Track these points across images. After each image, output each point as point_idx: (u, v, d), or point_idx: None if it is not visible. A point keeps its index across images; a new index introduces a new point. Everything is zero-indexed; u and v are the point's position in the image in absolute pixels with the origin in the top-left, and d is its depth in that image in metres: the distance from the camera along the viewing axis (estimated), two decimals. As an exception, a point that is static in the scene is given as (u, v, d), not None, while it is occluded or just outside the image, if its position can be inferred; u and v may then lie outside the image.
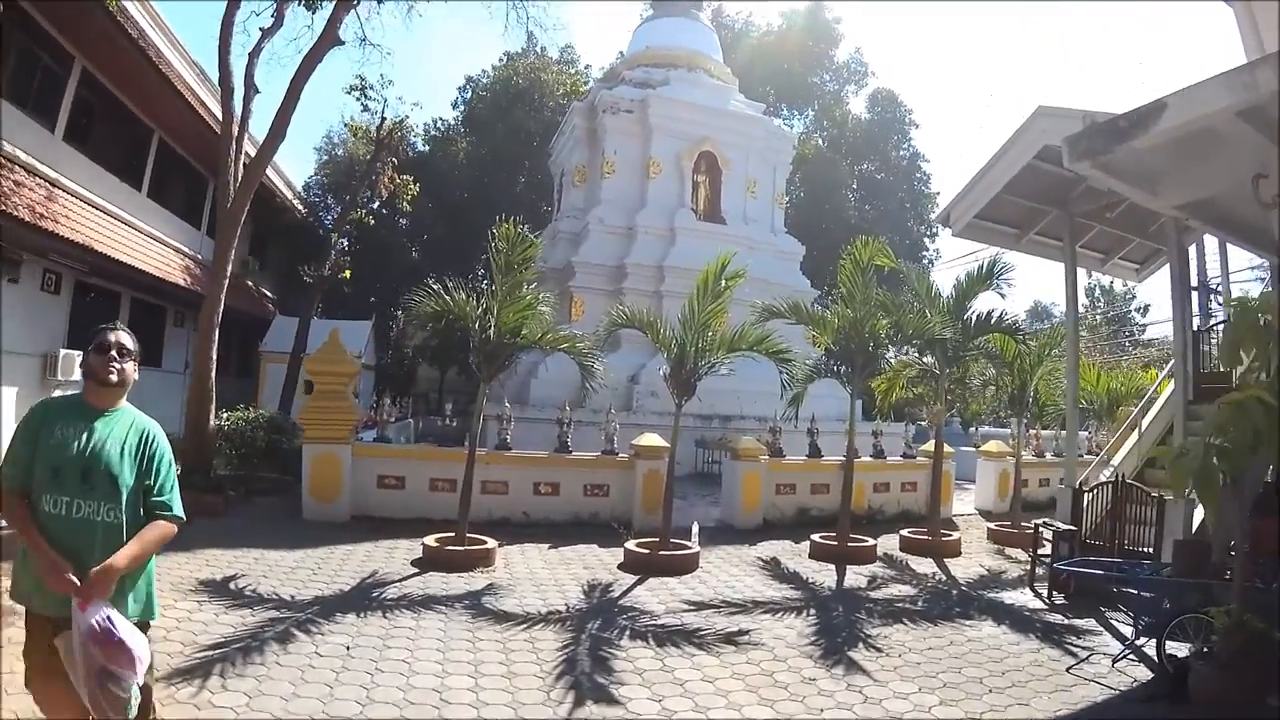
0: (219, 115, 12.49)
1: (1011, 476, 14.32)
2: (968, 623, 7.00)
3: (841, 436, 16.09)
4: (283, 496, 11.19)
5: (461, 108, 34.02)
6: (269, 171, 22.97)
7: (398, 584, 7.37)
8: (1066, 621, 7.18)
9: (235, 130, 12.06)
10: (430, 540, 8.38)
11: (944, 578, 8.98)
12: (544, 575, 8.07)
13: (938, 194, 35.20)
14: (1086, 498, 8.64)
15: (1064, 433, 17.75)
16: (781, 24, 36.10)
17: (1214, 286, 20.16)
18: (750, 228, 21.75)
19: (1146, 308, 35.40)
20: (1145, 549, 7.94)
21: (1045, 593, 8.18)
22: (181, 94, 15.52)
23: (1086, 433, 17.37)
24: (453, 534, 8.41)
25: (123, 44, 13.44)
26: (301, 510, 10.16)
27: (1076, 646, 6.39)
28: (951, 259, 73.64)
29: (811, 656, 5.86)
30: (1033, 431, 18.74)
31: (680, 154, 21.48)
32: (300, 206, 25.86)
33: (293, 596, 6.67)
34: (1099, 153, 6.18)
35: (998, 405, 13.62)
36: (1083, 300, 37.40)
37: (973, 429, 22.90)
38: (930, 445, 13.46)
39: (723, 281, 8.77)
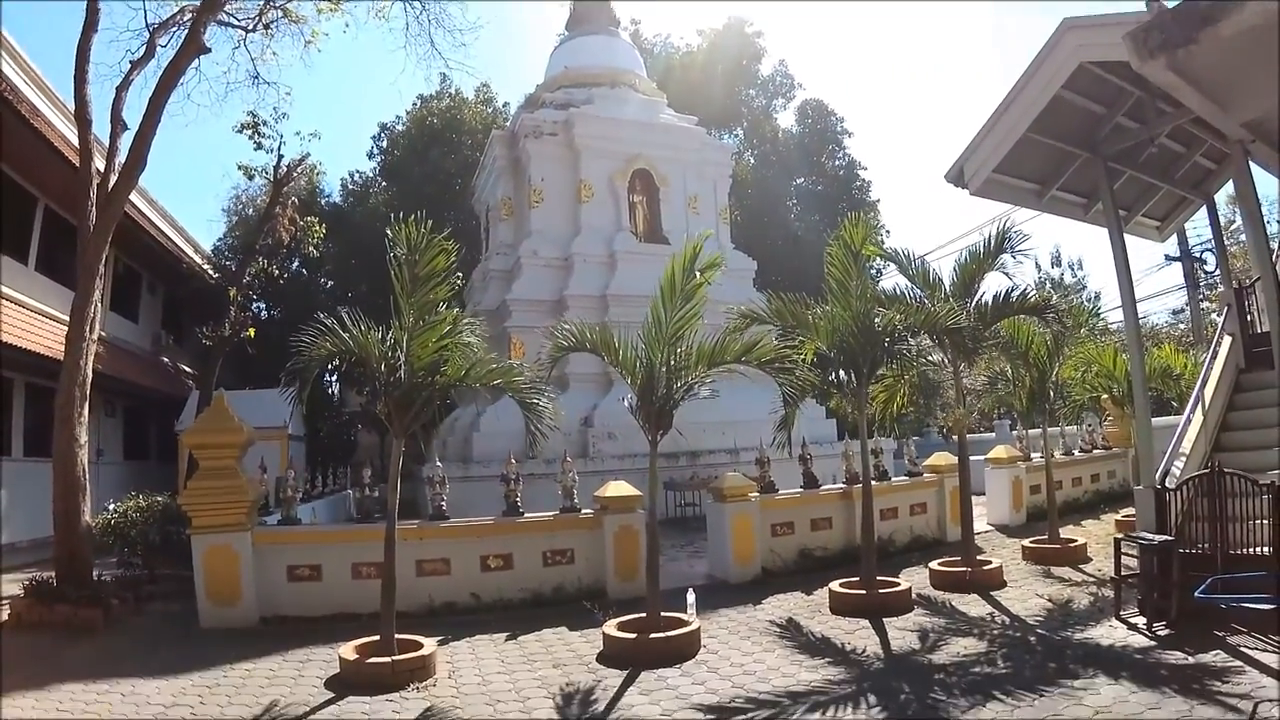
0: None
1: (1025, 484, 12.88)
2: (1076, 683, 5.28)
3: (827, 461, 14.55)
4: (185, 600, 8.93)
5: (378, 157, 32.11)
6: (172, 233, 20.98)
7: (301, 725, 5.35)
8: (1192, 659, 5.64)
9: (99, 167, 10.27)
10: (348, 651, 6.32)
11: (1006, 619, 7.25)
12: (501, 685, 6.04)
13: (878, 201, 34.38)
14: (1172, 497, 6.96)
15: (1072, 429, 16.45)
16: (700, 43, 35.17)
17: (1199, 254, 19.38)
18: (696, 246, 20.17)
19: (1098, 295, 34.53)
20: (1255, 549, 6.34)
21: (1143, 622, 6.61)
22: (64, 154, 13.56)
23: (1088, 426, 16.03)
24: (379, 637, 6.41)
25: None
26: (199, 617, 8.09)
27: (1230, 697, 4.82)
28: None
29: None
30: (1015, 433, 17.38)
31: (613, 174, 19.85)
32: (212, 272, 23.71)
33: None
34: (1178, 45, 4.70)
35: (1007, 403, 12.04)
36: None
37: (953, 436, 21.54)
38: (935, 459, 11.95)
39: (696, 274, 7.06)
